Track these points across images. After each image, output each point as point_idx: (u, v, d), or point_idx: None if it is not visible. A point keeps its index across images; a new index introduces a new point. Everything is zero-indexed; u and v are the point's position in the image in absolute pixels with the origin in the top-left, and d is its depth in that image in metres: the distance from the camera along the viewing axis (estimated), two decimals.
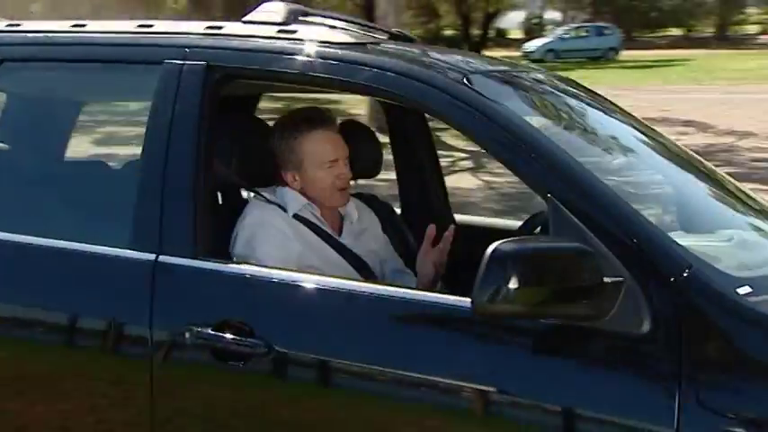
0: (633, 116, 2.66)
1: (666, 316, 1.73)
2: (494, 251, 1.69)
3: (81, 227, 2.44)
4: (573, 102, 2.49)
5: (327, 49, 2.22)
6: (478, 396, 1.87)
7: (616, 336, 1.76)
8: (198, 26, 2.42)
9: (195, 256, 2.15)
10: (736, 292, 1.75)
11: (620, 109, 2.70)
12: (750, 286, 1.78)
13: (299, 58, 2.21)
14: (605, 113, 2.58)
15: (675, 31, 51.29)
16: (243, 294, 2.12)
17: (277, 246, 2.36)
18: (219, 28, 2.38)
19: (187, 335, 2.08)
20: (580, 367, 1.80)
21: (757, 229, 2.37)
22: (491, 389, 1.85)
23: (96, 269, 2.25)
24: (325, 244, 2.48)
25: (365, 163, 2.73)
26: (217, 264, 2.18)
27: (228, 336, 2.04)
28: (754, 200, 2.54)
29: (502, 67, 2.45)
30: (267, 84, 2.35)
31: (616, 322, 1.74)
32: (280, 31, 2.32)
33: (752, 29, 51.67)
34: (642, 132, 2.60)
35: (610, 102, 2.69)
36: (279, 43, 2.27)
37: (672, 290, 1.73)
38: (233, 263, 2.23)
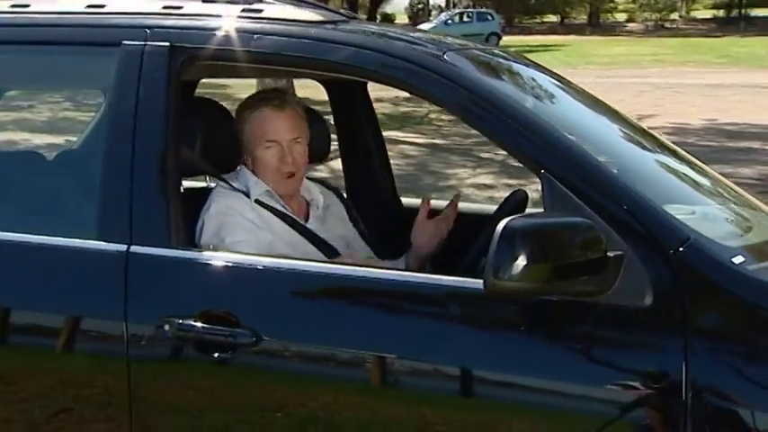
0: (588, 93, 2.70)
1: (668, 288, 1.74)
2: (504, 228, 1.67)
3: (33, 220, 2.31)
4: (542, 79, 2.49)
5: (299, 28, 2.15)
6: (483, 379, 1.86)
7: (619, 310, 1.76)
8: (154, 5, 2.30)
9: (170, 245, 2.05)
10: (733, 262, 1.79)
11: (573, 84, 2.72)
12: (742, 255, 1.84)
13: (270, 37, 2.13)
14: (562, 89, 2.59)
15: (552, 18, 53.01)
16: (226, 283, 2.04)
17: (247, 235, 2.29)
18: (179, 8, 2.27)
19: (167, 327, 1.98)
20: (584, 343, 1.80)
21: (709, 199, 2.41)
22: (496, 371, 1.83)
23: (60, 262, 2.12)
24: (294, 231, 2.42)
25: (314, 147, 2.67)
26: (196, 252, 2.09)
27: (212, 326, 1.96)
28: (698, 169, 2.55)
29: (467, 44, 2.43)
30: (233, 65, 2.26)
31: (618, 296, 1.75)
32: (244, 10, 2.24)
33: (621, 16, 53.96)
34: (596, 108, 2.63)
35: (563, 77, 2.71)
36: (247, 23, 2.18)
37: (673, 262, 1.74)
38: (213, 250, 2.14)
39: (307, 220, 2.51)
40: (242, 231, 2.29)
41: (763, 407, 1.69)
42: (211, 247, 2.20)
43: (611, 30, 48.33)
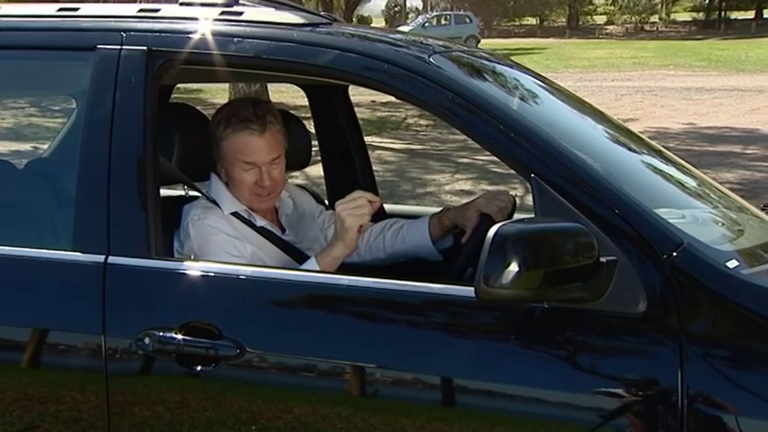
0: (574, 95, 2.66)
1: (663, 294, 1.70)
2: (495, 234, 1.62)
3: (6, 231, 2.25)
4: (528, 81, 2.44)
5: (280, 31, 2.10)
6: (475, 389, 1.81)
7: (612, 316, 1.72)
8: (130, 9, 2.24)
9: (149, 256, 1.99)
10: (727, 267, 1.75)
11: (558, 86, 2.68)
12: (736, 260, 1.80)
13: (250, 40, 2.07)
14: (548, 91, 2.54)
15: (531, 21, 53.21)
16: (207, 294, 1.98)
17: (231, 249, 2.24)
18: (156, 11, 2.21)
19: (147, 340, 1.92)
20: (577, 351, 1.76)
21: (695, 202, 2.36)
22: (488, 380, 1.78)
23: (35, 274, 2.05)
24: (272, 244, 2.37)
25: (295, 154, 2.62)
26: (176, 262, 2.03)
27: (194, 339, 1.90)
28: (687, 171, 2.51)
29: (451, 46, 2.38)
30: (212, 69, 2.20)
31: (612, 303, 1.71)
32: (223, 13, 2.18)
33: (600, 19, 54.28)
34: (583, 110, 2.58)
35: (548, 79, 2.67)
36: (226, 26, 2.13)
37: (666, 268, 1.70)
38: (193, 260, 2.08)
39: (283, 230, 2.45)
40: (226, 247, 2.23)
41: (760, 414, 1.65)
42: (193, 256, 2.14)
43: (591, 32, 48.63)
